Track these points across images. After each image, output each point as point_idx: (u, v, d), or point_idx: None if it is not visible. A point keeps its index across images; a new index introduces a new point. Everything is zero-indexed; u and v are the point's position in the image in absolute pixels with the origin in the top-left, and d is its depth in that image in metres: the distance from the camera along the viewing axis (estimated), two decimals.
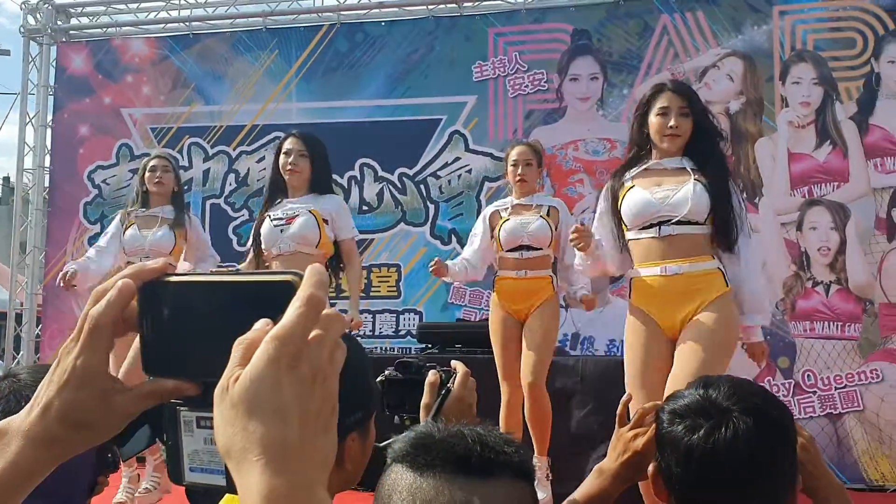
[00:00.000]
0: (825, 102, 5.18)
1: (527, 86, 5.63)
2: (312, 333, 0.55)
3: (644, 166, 3.06)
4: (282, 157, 3.97)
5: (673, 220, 2.93)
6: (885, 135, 5.08)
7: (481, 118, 5.68)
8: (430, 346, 5.04)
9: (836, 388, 4.94)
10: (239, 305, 0.60)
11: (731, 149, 5.24)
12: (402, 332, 5.62)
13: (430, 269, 4.02)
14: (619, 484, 1.35)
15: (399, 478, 0.85)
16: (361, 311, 4.43)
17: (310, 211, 3.90)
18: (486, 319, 4.37)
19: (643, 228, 3.01)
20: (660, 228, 2.96)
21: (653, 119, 3.04)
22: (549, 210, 4.08)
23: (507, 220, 4.06)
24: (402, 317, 5.66)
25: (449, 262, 4.08)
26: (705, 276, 2.96)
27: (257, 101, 6.09)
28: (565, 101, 5.58)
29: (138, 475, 4.36)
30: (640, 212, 2.99)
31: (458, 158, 5.71)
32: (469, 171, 5.69)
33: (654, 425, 1.29)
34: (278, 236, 3.89)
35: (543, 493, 3.73)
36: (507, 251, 4.03)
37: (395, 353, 5.55)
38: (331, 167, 4.10)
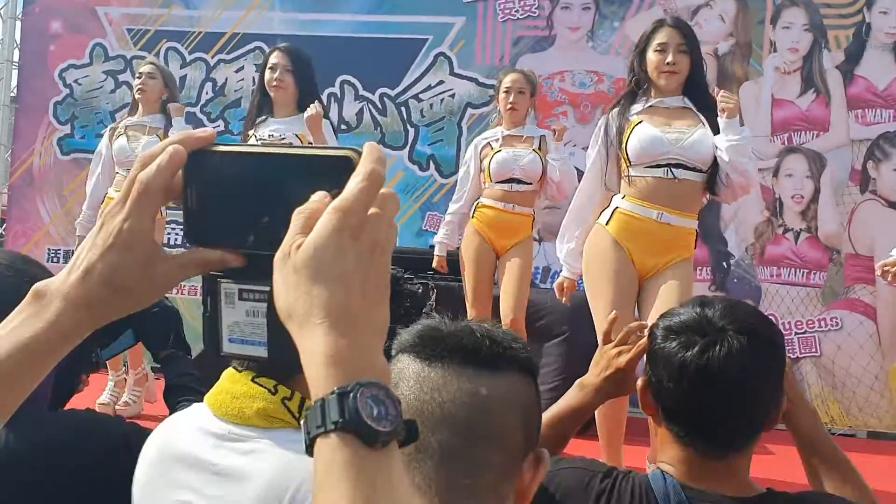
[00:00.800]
0: (813, 50, 5.16)
1: (517, 10, 5.52)
2: (371, 210, 0.57)
3: (648, 104, 3.06)
4: (267, 72, 3.87)
5: (685, 165, 2.96)
6: (869, 86, 5.09)
7: (468, 41, 5.57)
8: (402, 270, 5.06)
9: (795, 334, 5.07)
10: (293, 178, 0.60)
11: (716, 91, 5.22)
12: None
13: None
14: (600, 398, 1.41)
15: (406, 367, 0.86)
16: None
17: (296, 135, 3.81)
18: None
19: (649, 167, 3.00)
20: (669, 170, 2.97)
21: (651, 55, 3.03)
22: (540, 142, 4.05)
23: (499, 151, 4.00)
24: None
25: (441, 241, 4.19)
26: (689, 234, 3.04)
27: (239, 7, 5.90)
28: (555, 29, 5.48)
29: (125, 379, 4.38)
30: (648, 149, 2.98)
31: (441, 82, 5.62)
32: (452, 96, 5.61)
33: (640, 343, 1.33)
34: None
35: None
36: (497, 183, 3.99)
37: None
38: (317, 85, 4.01)
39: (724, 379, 1.15)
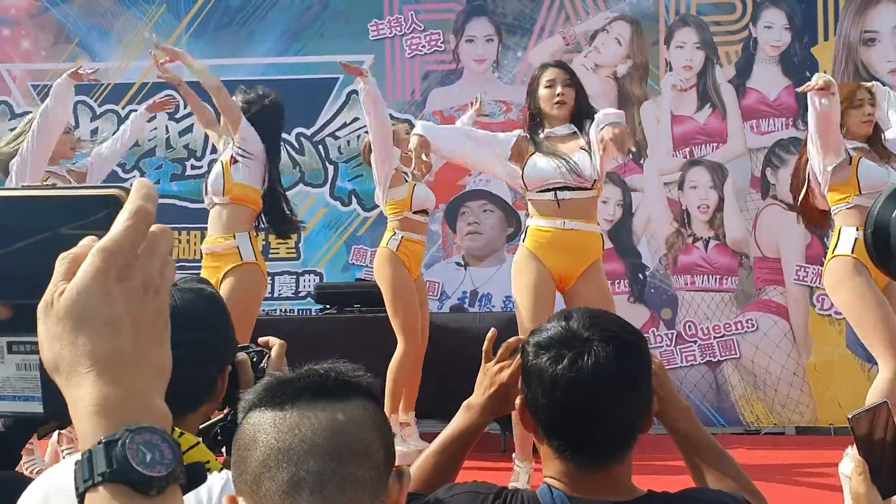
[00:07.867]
0: (706, 66, 5.42)
1: (423, 46, 5.64)
2: (141, 247, 0.55)
3: (543, 135, 3.52)
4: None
5: (569, 187, 3.41)
6: (761, 97, 5.37)
7: (379, 77, 5.60)
8: (328, 306, 5.08)
9: (714, 338, 5.27)
10: (59, 221, 0.58)
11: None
12: (302, 294, 5.62)
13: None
14: (486, 416, 1.42)
15: (259, 420, 0.87)
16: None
17: (220, 161, 3.99)
18: None
19: (540, 191, 3.47)
20: (556, 193, 3.42)
21: (542, 91, 3.52)
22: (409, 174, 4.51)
23: (415, 185, 4.45)
24: (301, 278, 5.66)
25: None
26: (594, 237, 3.52)
27: (146, 57, 5.84)
28: (461, 62, 5.63)
29: None
30: (537, 179, 3.46)
31: (356, 119, 5.68)
32: (368, 132, 5.68)
33: (518, 358, 1.34)
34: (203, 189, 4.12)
35: (405, 447, 4.05)
36: (414, 213, 4.45)
37: (295, 314, 5.56)
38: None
39: (593, 389, 1.19)
